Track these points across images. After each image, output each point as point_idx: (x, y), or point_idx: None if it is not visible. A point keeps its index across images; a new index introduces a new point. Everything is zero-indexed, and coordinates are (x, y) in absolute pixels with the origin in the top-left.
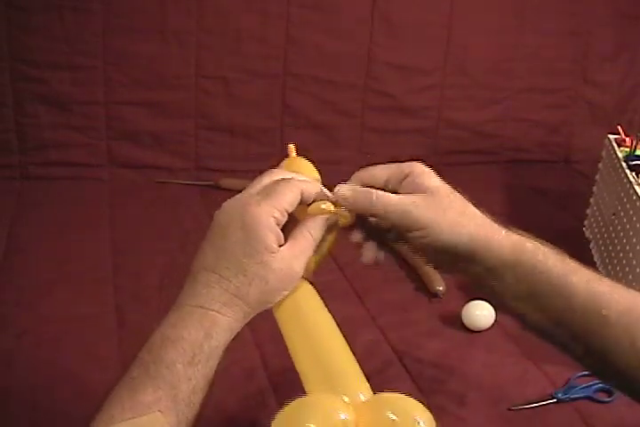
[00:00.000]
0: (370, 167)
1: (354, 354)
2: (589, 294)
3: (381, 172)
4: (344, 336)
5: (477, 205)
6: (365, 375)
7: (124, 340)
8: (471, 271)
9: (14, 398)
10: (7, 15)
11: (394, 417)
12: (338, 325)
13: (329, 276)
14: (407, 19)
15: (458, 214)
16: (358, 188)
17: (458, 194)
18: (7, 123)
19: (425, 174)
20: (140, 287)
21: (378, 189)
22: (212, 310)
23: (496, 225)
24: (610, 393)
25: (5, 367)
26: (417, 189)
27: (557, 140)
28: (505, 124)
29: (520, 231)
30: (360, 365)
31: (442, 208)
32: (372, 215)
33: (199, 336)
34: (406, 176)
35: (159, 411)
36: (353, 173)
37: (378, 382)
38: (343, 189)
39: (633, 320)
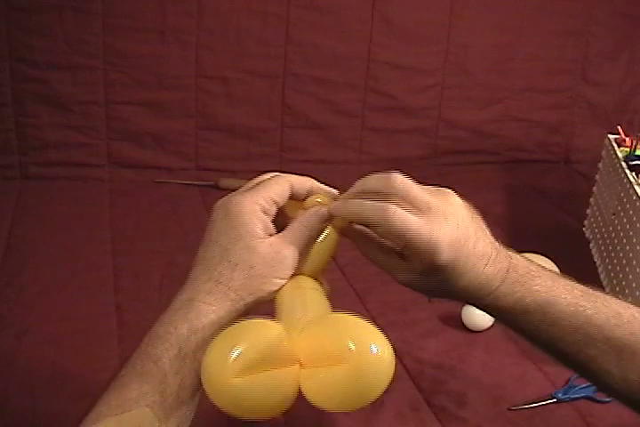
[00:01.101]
0: (390, 226)
1: None
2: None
3: (395, 239)
4: None
5: (477, 205)
6: None
7: (124, 340)
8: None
9: (14, 399)
10: (7, 15)
11: (352, 346)
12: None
13: (329, 276)
14: (407, 19)
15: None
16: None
17: (468, 253)
18: (7, 123)
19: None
20: (140, 287)
21: None
22: (196, 301)
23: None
24: None
25: (5, 367)
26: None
27: (557, 141)
28: (505, 124)
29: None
30: None
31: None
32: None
33: (184, 329)
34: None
35: (146, 406)
36: (353, 172)
37: None
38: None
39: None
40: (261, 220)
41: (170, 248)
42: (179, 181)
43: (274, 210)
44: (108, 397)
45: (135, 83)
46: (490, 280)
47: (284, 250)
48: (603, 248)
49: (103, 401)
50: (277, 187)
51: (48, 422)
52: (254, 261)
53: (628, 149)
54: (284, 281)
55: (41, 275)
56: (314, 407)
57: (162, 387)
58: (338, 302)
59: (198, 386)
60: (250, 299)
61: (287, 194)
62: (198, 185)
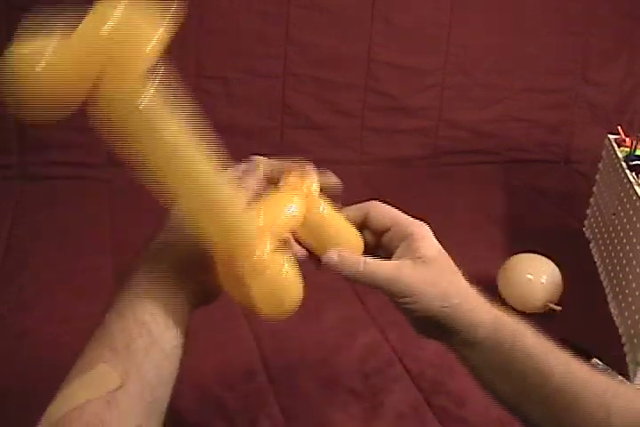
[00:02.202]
0: (380, 209)
1: (354, 353)
2: (567, 376)
3: (386, 221)
4: (345, 334)
5: (477, 205)
6: (365, 375)
7: None
8: (452, 341)
9: (14, 399)
10: (7, 15)
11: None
12: None
13: (329, 276)
14: (407, 19)
15: (446, 284)
16: (347, 255)
17: (451, 261)
18: (7, 123)
19: (425, 240)
20: None
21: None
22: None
23: (481, 298)
24: None
25: (5, 367)
26: (412, 255)
27: (557, 140)
28: (505, 124)
29: (500, 307)
30: (360, 365)
31: (432, 279)
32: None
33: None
34: (407, 237)
35: (103, 363)
36: (353, 172)
37: (378, 383)
38: (331, 255)
39: (608, 398)
40: None
41: None
42: None
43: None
44: (75, 365)
45: None
46: (484, 321)
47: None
48: (603, 248)
49: (71, 371)
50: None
51: None
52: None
53: (627, 149)
54: None
55: (41, 275)
56: (314, 408)
57: (109, 341)
58: (338, 301)
59: (149, 336)
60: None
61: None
62: None
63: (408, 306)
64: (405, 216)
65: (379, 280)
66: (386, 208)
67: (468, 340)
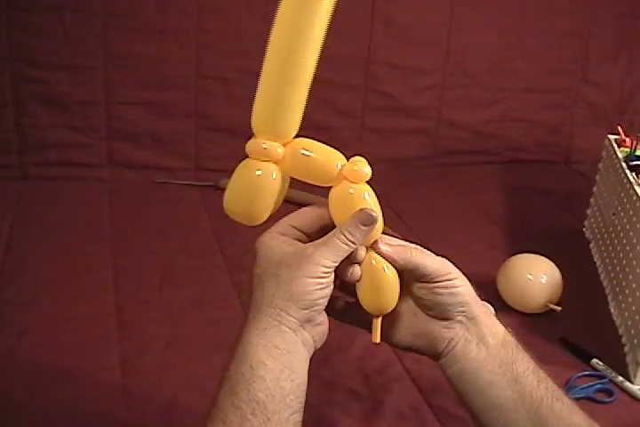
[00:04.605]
0: (431, 264)
1: (354, 354)
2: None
3: (440, 279)
4: (345, 335)
5: (477, 205)
6: (365, 375)
7: (124, 340)
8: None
9: (14, 398)
10: (7, 15)
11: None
12: None
13: None
14: (407, 19)
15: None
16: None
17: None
18: (7, 123)
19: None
20: (140, 287)
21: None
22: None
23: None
24: (610, 393)
25: (5, 368)
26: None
27: (557, 140)
28: (505, 124)
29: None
30: (360, 365)
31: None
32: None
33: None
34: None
35: None
36: None
37: (378, 383)
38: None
39: None
40: (278, 240)
41: (170, 248)
42: (179, 182)
43: (294, 233)
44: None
45: (135, 83)
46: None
47: (309, 248)
48: (603, 248)
49: None
50: (295, 214)
51: (48, 422)
52: (279, 267)
53: (628, 150)
54: (318, 280)
55: (41, 275)
56: (315, 408)
57: (223, 417)
58: None
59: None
60: (297, 312)
61: (308, 217)
62: (198, 185)
63: (449, 290)
64: (431, 264)
65: (429, 267)
66: (436, 264)
67: (474, 338)
